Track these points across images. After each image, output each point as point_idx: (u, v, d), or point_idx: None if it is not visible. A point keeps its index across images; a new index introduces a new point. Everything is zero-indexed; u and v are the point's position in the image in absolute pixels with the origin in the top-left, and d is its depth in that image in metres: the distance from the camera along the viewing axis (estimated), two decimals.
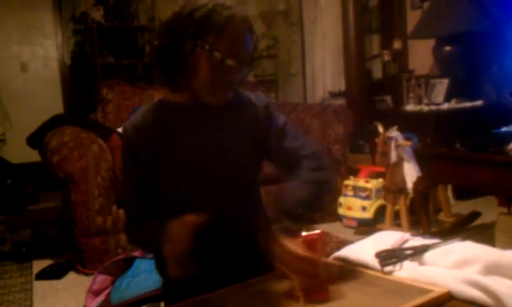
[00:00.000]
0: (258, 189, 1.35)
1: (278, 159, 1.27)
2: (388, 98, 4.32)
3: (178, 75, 1.18)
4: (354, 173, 3.51)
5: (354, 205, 3.30)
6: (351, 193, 3.35)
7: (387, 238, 1.28)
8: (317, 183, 1.18)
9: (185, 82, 1.18)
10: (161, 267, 1.33)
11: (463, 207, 3.32)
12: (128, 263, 2.36)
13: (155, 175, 1.22)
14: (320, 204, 1.19)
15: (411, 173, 2.90)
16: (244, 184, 1.27)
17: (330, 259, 1.27)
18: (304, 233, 1.08)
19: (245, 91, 1.30)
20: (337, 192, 3.45)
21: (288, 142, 1.24)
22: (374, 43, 5.03)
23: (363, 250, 1.23)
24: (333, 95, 4.95)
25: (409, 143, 2.92)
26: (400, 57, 4.35)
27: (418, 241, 1.23)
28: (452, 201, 3.26)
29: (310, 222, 1.14)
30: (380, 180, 3.23)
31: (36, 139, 2.98)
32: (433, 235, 2.39)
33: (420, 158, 2.81)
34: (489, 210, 3.08)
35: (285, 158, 1.24)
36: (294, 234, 1.06)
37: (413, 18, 4.11)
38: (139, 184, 1.24)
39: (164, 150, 1.21)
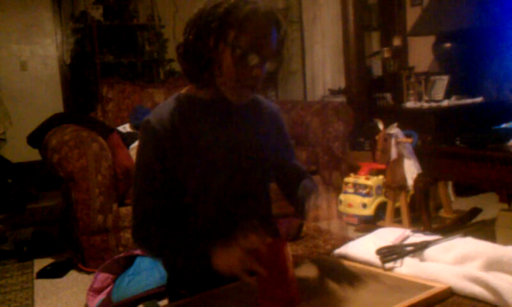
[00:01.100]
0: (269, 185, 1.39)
1: (283, 172, 1.38)
2: (388, 96, 4.32)
3: (202, 71, 1.18)
4: (355, 170, 3.51)
5: (354, 202, 3.30)
6: (351, 190, 3.35)
7: (388, 235, 1.28)
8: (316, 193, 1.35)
9: (209, 78, 1.19)
10: (173, 267, 1.31)
11: (464, 204, 3.32)
12: (129, 261, 2.37)
13: (179, 169, 1.20)
14: None
15: (411, 169, 2.90)
16: (263, 179, 1.32)
17: (331, 256, 1.27)
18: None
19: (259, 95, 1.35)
20: (338, 189, 3.46)
21: (295, 160, 1.41)
22: (374, 40, 5.03)
23: (363, 247, 1.23)
24: (333, 93, 4.94)
25: (409, 140, 2.92)
26: (400, 55, 4.35)
27: (418, 237, 1.23)
28: (452, 197, 3.26)
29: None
30: (380, 177, 3.23)
31: (36, 138, 2.98)
32: (434, 231, 2.39)
33: (421, 155, 2.81)
34: (489, 206, 3.09)
35: (292, 173, 1.37)
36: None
37: (412, 15, 4.11)
38: (160, 179, 1.19)
39: (190, 144, 1.20)
